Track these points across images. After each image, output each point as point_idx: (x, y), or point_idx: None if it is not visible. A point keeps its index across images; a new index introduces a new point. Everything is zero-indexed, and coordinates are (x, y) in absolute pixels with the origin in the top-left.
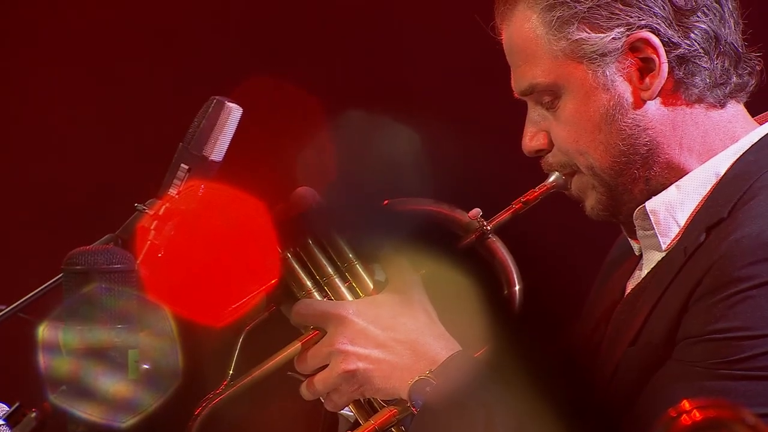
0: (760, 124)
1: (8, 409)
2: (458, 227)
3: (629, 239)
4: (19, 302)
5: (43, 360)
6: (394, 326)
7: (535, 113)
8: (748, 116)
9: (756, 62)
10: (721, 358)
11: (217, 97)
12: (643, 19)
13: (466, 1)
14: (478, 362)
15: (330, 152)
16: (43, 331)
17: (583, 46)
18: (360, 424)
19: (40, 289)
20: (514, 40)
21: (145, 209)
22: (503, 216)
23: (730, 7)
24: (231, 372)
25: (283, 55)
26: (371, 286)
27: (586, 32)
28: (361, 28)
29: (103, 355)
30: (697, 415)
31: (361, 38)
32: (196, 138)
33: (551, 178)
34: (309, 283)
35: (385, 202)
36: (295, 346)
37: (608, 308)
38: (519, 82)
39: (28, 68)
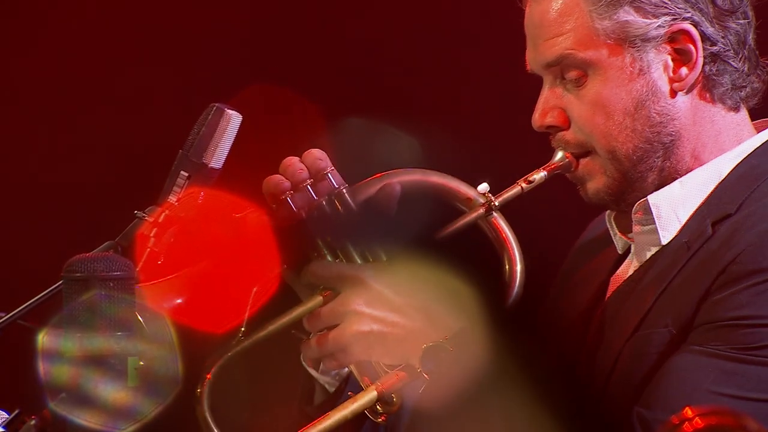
0: (758, 131)
1: (8, 416)
2: (463, 201)
3: (616, 235)
4: (18, 309)
5: (42, 367)
6: (410, 293)
7: (552, 90)
8: (750, 122)
9: (766, 71)
10: (744, 343)
11: (216, 105)
12: (688, 12)
13: (465, 4)
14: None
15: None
16: (43, 339)
17: (628, 29)
18: (339, 395)
19: (39, 296)
20: (548, 13)
21: (144, 216)
22: (509, 192)
23: (752, 15)
24: (242, 327)
25: (282, 63)
26: (383, 255)
27: (633, 16)
28: (360, 35)
29: (103, 362)
30: (699, 422)
31: (360, 45)
32: (195, 145)
33: (557, 157)
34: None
35: (378, 174)
36: (317, 300)
37: (589, 304)
38: (546, 52)
39: (27, 74)
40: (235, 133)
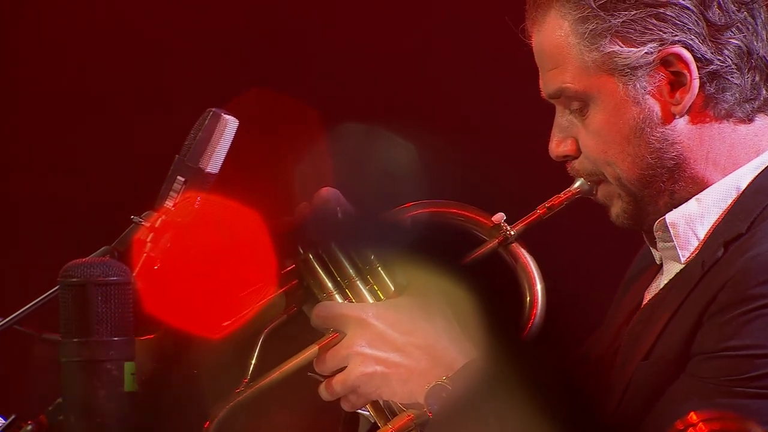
0: None
1: (4, 421)
2: (482, 231)
3: (651, 248)
4: (15, 314)
5: (39, 373)
6: (413, 331)
7: (563, 118)
8: None
9: None
10: (734, 375)
11: (213, 109)
12: (676, 35)
13: (466, 8)
14: (494, 371)
15: (327, 164)
16: (39, 344)
17: (615, 59)
18: (378, 426)
19: (36, 301)
20: (544, 45)
21: (141, 221)
22: (527, 221)
23: (763, 19)
24: (249, 374)
25: (280, 67)
26: (393, 289)
27: (619, 46)
28: (358, 38)
29: (100, 367)
30: (704, 428)
31: (358, 50)
32: (192, 150)
33: (576, 184)
34: (330, 285)
35: (408, 204)
36: (313, 350)
37: (626, 319)
38: (548, 84)
39: (23, 81)
40: (231, 137)
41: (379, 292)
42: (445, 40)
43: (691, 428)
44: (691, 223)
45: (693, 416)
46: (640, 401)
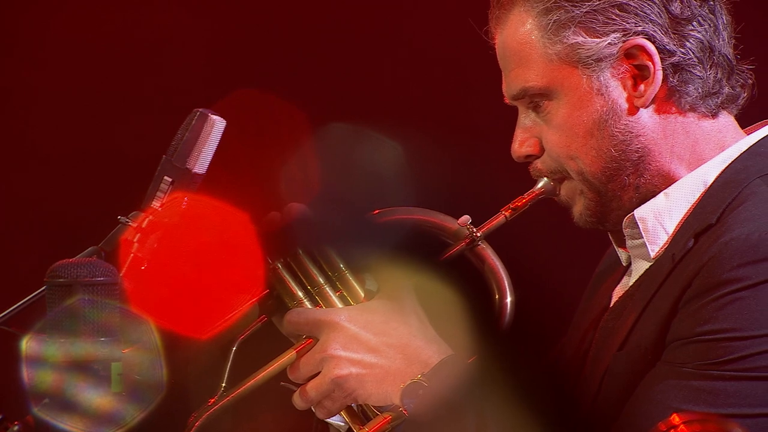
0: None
1: None
2: (448, 235)
3: (617, 249)
4: (1, 315)
5: (26, 373)
6: (386, 331)
7: (526, 118)
8: (738, 127)
9: (748, 75)
10: (710, 359)
11: (200, 110)
12: (639, 26)
13: (450, 10)
14: (470, 366)
15: (314, 164)
16: (26, 344)
17: (579, 50)
18: None
19: (23, 301)
20: (508, 43)
21: (128, 222)
22: (492, 223)
23: (724, 20)
24: (224, 383)
25: (266, 68)
26: (362, 294)
27: (582, 36)
28: (344, 39)
29: (87, 367)
30: (685, 429)
31: (344, 50)
32: (179, 150)
33: (540, 184)
34: (300, 293)
35: (375, 211)
36: (290, 354)
37: (595, 318)
38: (511, 86)
39: (12, 81)
40: (218, 138)
41: (348, 298)
42: (432, 40)
43: (672, 430)
44: (660, 217)
45: (675, 418)
46: (618, 390)
